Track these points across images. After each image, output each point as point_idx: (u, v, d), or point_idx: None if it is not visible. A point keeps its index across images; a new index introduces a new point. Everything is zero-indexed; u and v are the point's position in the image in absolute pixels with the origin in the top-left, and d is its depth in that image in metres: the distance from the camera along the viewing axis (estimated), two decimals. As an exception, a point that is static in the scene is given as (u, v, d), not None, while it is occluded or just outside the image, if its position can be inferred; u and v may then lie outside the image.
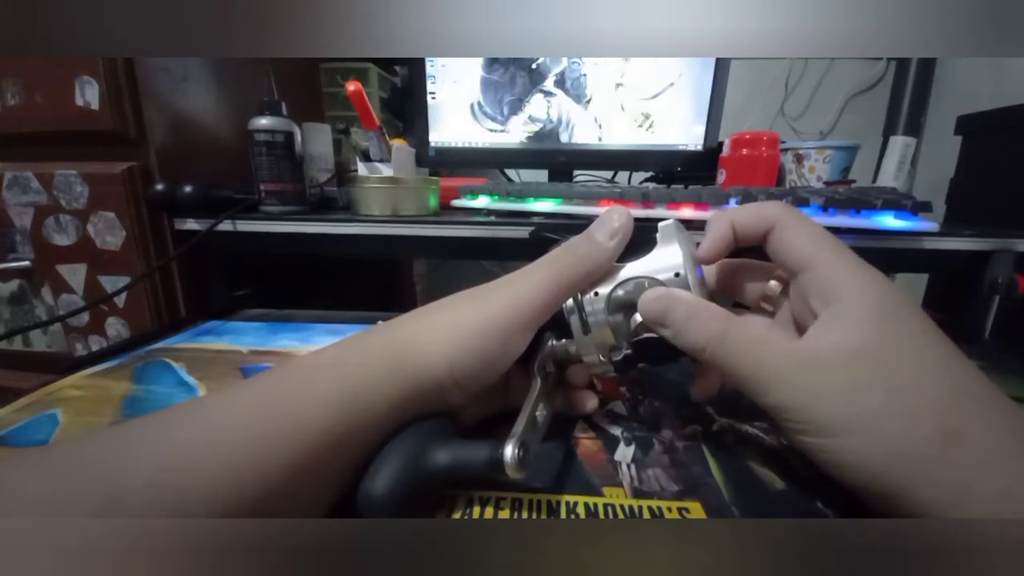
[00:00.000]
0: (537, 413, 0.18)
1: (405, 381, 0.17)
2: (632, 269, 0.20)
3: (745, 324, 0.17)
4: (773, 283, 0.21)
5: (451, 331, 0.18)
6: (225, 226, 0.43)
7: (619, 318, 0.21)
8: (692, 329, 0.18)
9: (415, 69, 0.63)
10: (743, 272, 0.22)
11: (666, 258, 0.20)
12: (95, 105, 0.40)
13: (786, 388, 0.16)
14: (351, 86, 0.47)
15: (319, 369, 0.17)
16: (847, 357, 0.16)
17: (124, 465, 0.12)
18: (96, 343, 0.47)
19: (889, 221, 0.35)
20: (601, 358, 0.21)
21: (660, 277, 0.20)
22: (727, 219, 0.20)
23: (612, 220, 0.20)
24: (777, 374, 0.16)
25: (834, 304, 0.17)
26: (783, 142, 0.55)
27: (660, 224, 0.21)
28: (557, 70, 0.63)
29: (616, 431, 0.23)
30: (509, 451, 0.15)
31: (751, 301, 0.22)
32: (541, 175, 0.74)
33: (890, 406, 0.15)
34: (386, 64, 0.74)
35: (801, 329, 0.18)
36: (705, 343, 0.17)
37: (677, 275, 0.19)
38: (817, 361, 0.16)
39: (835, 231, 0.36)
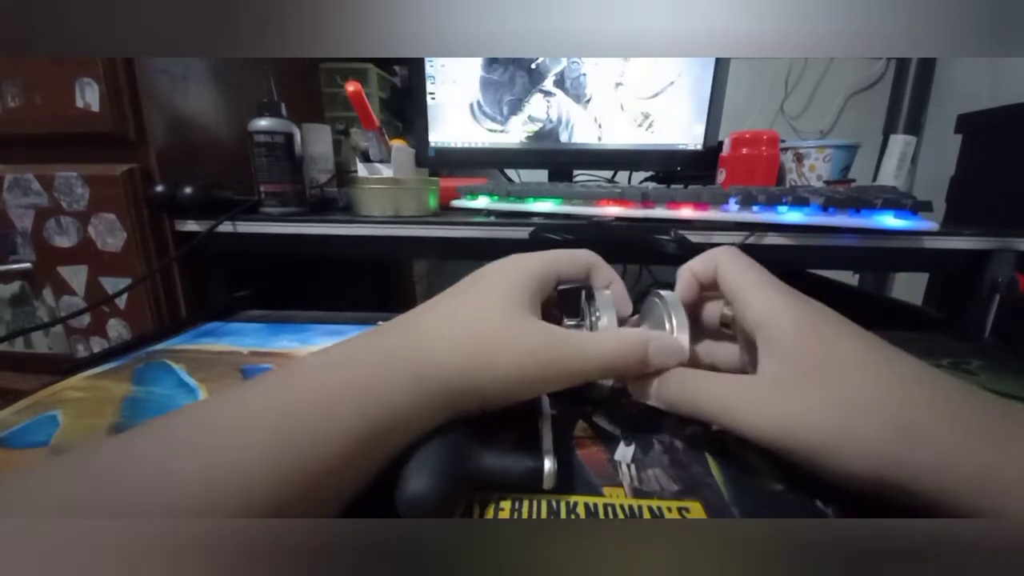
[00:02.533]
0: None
1: (432, 403, 0.17)
2: None
3: (694, 375, 0.20)
4: (726, 309, 0.23)
5: (510, 380, 0.18)
6: (225, 227, 0.43)
7: None
8: (660, 397, 0.21)
9: (415, 69, 0.63)
10: (705, 303, 0.25)
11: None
12: (95, 107, 0.40)
13: (738, 420, 0.18)
14: (351, 87, 0.47)
15: (330, 371, 0.16)
16: (784, 380, 0.17)
17: (135, 477, 0.12)
18: (97, 344, 0.47)
19: (889, 220, 0.35)
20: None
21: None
22: (689, 271, 0.23)
23: (674, 358, 0.21)
24: (723, 409, 0.18)
25: (761, 327, 0.18)
26: (783, 141, 0.55)
27: (665, 296, 0.23)
28: (557, 70, 0.63)
29: (616, 431, 0.23)
30: (549, 464, 0.17)
31: (715, 327, 0.24)
32: (541, 175, 0.74)
33: (839, 416, 0.15)
34: (386, 64, 0.74)
35: (751, 350, 0.20)
36: (668, 404, 0.20)
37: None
38: (760, 389, 0.18)
39: (835, 231, 0.36)
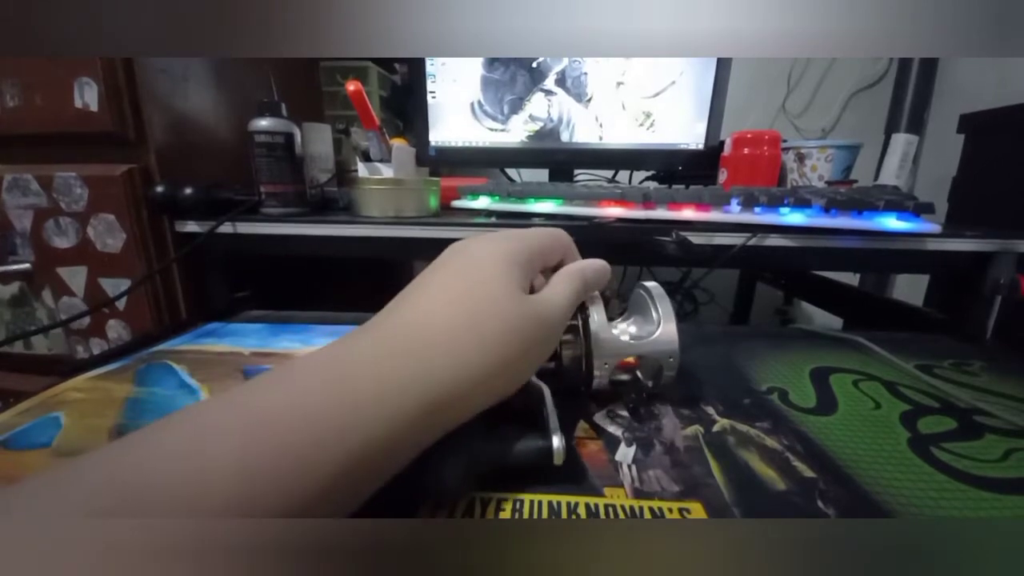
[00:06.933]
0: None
1: (443, 427, 0.17)
2: (642, 346, 0.24)
3: None
4: None
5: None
6: (225, 228, 0.43)
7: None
8: None
9: (415, 68, 0.63)
10: None
11: (667, 344, 0.24)
12: (94, 107, 0.40)
13: None
14: (351, 86, 0.46)
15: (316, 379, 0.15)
16: None
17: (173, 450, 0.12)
18: (97, 345, 0.47)
19: (891, 223, 0.35)
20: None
21: (668, 372, 0.24)
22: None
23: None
24: None
25: None
26: (785, 140, 0.55)
27: (651, 288, 0.25)
28: (558, 69, 0.63)
29: (617, 432, 0.23)
30: (557, 441, 0.18)
31: None
32: (541, 174, 0.74)
33: None
34: (386, 62, 0.74)
35: None
36: None
37: (671, 362, 0.24)
38: None
39: (837, 232, 0.36)
